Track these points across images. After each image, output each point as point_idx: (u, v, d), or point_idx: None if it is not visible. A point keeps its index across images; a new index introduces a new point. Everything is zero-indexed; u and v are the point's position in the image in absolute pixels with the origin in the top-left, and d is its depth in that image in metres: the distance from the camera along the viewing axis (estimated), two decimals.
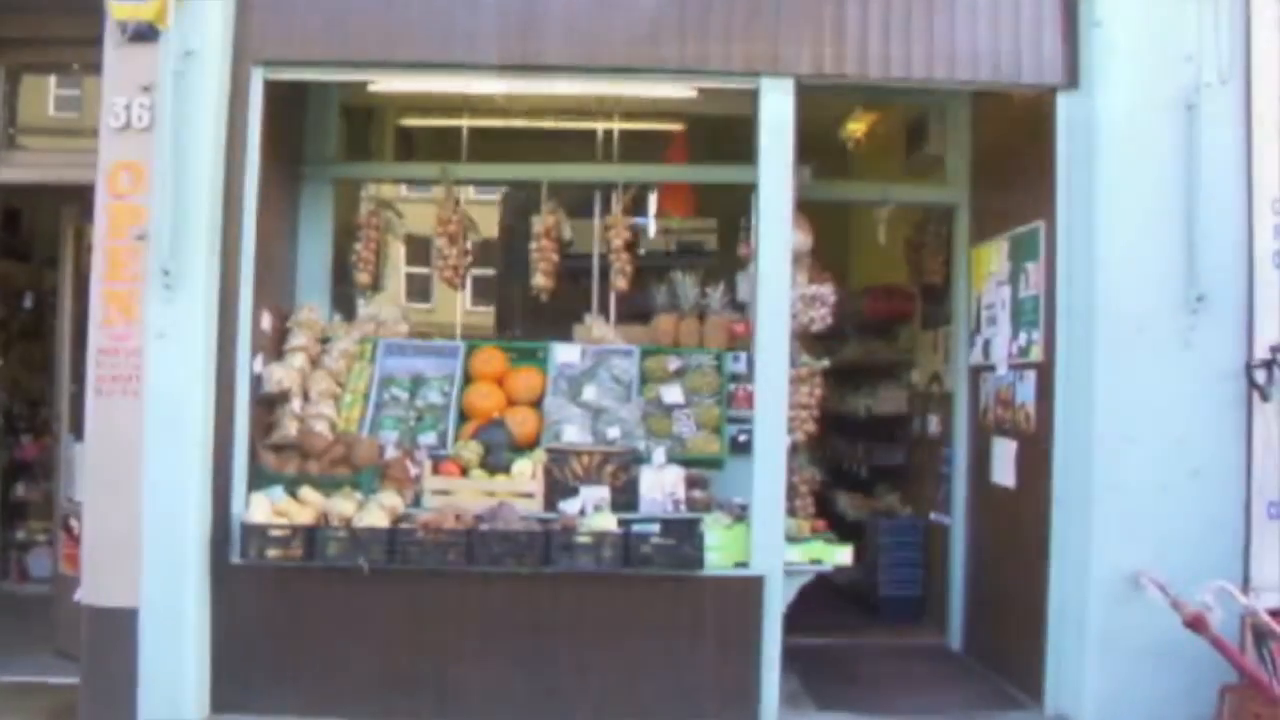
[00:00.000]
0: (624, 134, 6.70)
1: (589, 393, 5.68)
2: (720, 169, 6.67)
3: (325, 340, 5.85)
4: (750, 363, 5.41)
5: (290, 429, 5.44)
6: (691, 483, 5.28)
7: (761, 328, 5.05)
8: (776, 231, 5.04)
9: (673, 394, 5.68)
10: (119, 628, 4.70)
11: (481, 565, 4.82)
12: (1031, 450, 5.41)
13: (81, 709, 4.80)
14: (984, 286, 6.10)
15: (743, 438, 5.42)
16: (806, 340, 5.78)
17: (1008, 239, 5.77)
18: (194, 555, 4.77)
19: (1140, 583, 4.70)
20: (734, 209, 6.03)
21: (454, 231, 6.30)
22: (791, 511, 5.28)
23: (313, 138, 6.25)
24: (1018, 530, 5.52)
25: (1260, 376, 4.80)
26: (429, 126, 7.28)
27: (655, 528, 4.99)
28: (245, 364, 5.04)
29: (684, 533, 4.96)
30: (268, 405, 5.48)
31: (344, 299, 6.44)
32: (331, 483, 5.16)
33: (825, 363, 5.82)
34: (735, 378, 5.71)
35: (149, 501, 4.70)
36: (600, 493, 5.18)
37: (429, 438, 5.59)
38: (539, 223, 6.34)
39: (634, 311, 6.41)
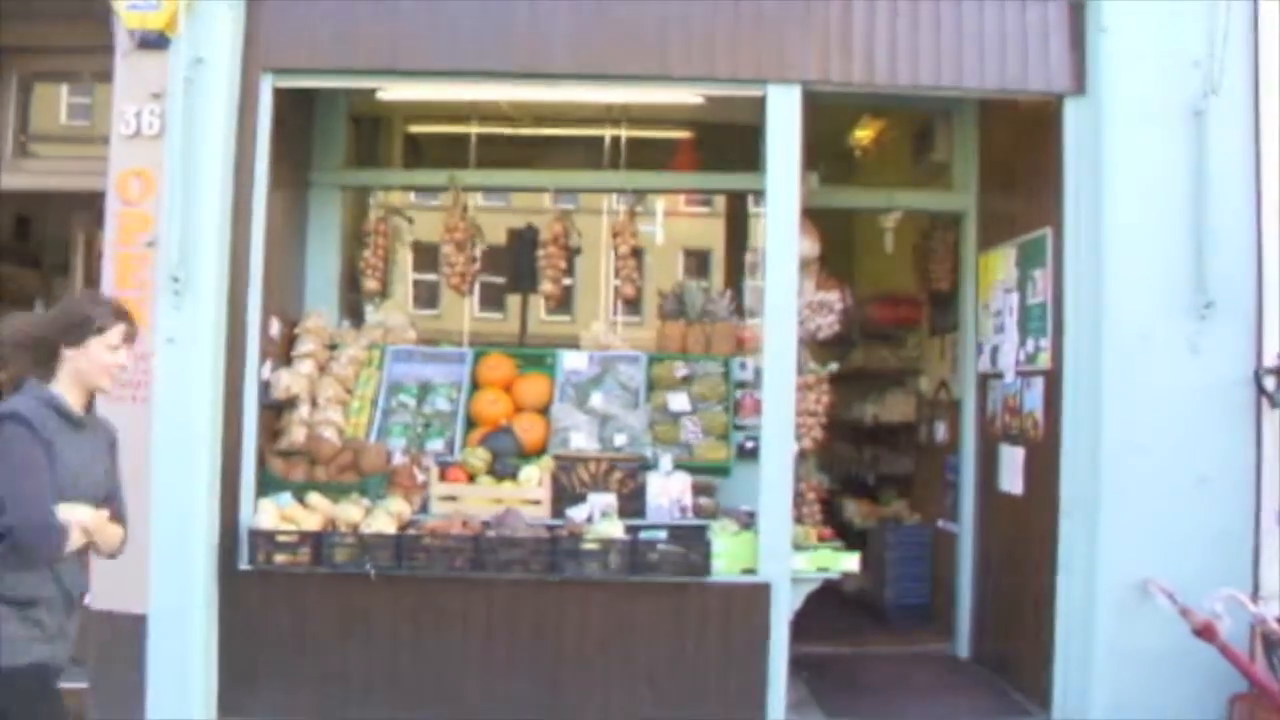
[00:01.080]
0: (631, 141, 6.72)
1: (596, 399, 5.69)
2: (728, 176, 6.69)
3: (333, 347, 5.87)
4: (757, 370, 5.41)
5: (298, 435, 5.45)
6: (698, 490, 5.28)
7: (769, 334, 5.05)
8: (784, 238, 5.05)
9: (680, 401, 5.68)
10: (127, 632, 4.71)
11: (488, 572, 4.83)
12: (1039, 457, 5.40)
13: (90, 713, 4.81)
14: (991, 293, 6.09)
15: (750, 445, 5.42)
16: (814, 347, 5.79)
17: (1015, 246, 5.77)
18: (202, 560, 4.78)
19: (1149, 590, 4.69)
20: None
21: (461, 239, 6.33)
22: (799, 519, 5.28)
23: (321, 145, 6.28)
24: (1025, 538, 5.51)
25: (1269, 383, 4.79)
26: (437, 134, 7.31)
27: (662, 534, 4.99)
28: (254, 370, 5.06)
29: (691, 540, 4.96)
30: (275, 411, 5.50)
31: (352, 306, 6.47)
32: (339, 489, 5.17)
33: (833, 368, 5.82)
34: (742, 385, 5.71)
35: (158, 507, 4.71)
36: (607, 499, 5.19)
37: (436, 444, 5.60)
38: (546, 230, 6.36)
39: None
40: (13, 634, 2.82)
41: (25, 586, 2.85)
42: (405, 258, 7.34)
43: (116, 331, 2.99)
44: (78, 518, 2.86)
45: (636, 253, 6.39)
